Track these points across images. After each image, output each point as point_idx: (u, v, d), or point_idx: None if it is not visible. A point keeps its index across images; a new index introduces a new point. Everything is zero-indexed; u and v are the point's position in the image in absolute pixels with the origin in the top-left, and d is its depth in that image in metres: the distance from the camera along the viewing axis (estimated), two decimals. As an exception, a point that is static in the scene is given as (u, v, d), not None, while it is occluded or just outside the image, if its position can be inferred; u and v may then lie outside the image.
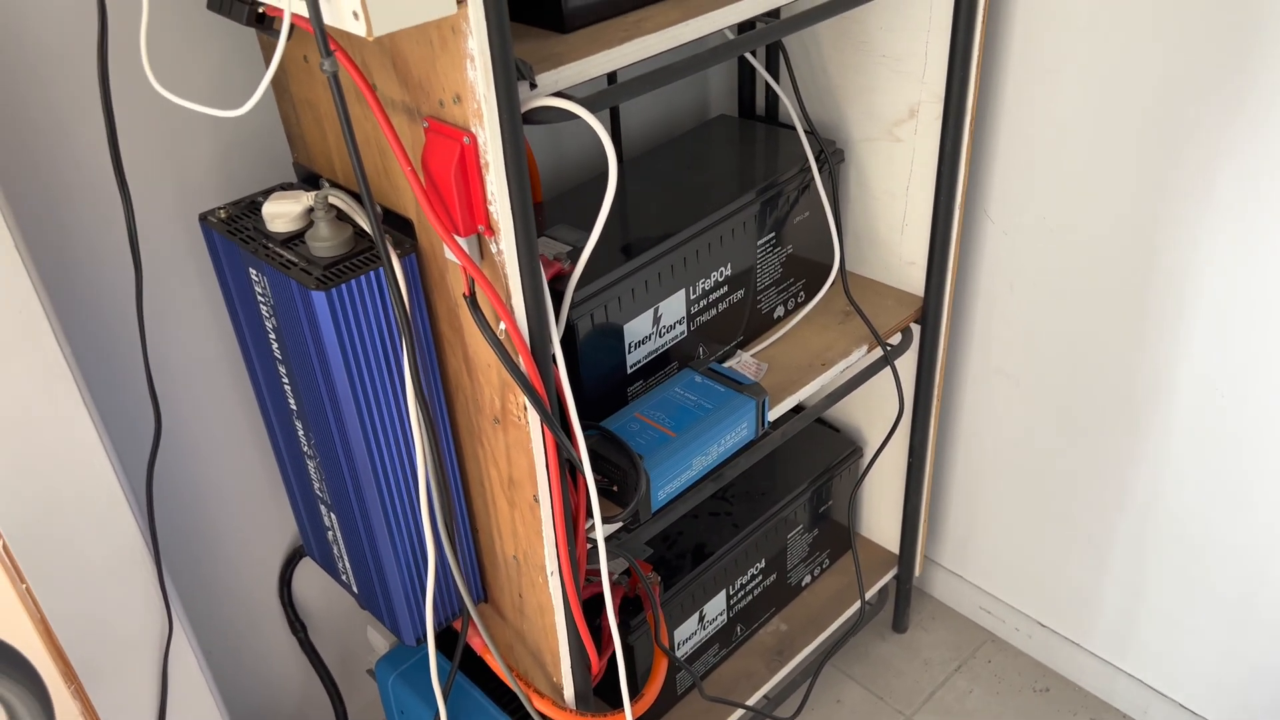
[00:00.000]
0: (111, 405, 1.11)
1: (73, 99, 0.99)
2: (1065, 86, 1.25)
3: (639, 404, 1.19)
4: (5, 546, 0.75)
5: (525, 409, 0.94)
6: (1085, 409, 1.41)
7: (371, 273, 0.93)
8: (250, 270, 0.98)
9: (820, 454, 1.58)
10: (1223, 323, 1.22)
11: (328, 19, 0.71)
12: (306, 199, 0.97)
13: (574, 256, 1.08)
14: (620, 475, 1.10)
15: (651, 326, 1.21)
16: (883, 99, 1.35)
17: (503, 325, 0.89)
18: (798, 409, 1.34)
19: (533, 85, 0.84)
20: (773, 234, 1.31)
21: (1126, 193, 1.24)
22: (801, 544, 1.58)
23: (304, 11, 0.71)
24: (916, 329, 1.44)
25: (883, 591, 1.67)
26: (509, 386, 0.95)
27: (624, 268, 1.14)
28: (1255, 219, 1.15)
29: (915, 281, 1.43)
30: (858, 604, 1.61)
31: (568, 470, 1.00)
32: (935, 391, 1.49)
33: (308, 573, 1.40)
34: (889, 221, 1.42)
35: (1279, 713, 1.39)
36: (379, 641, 1.37)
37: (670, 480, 1.12)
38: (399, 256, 0.93)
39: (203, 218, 1.02)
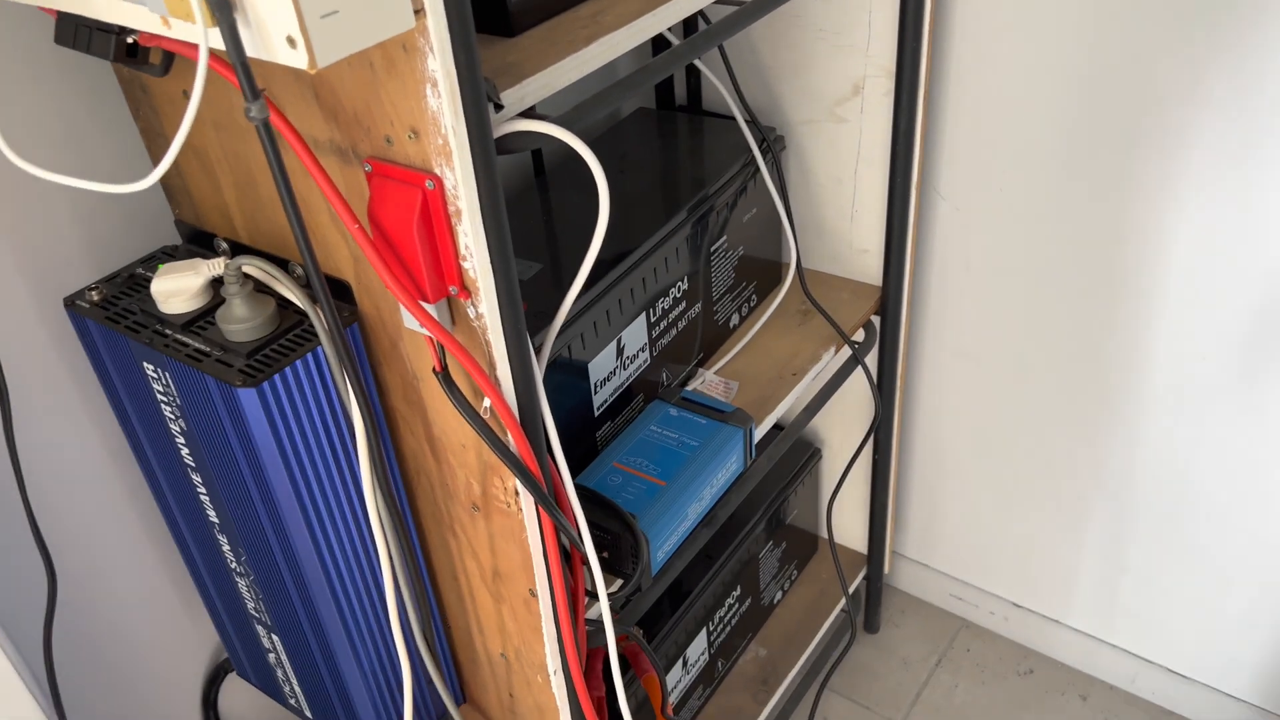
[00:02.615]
0: (-27, 543, 0.89)
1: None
2: (1014, 49, 1.15)
3: (614, 451, 1.04)
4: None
5: (517, 494, 0.78)
6: (1053, 383, 1.34)
7: (309, 354, 0.75)
8: (145, 365, 0.78)
9: (780, 462, 1.46)
10: (1195, 283, 1.16)
11: (251, 50, 0.53)
12: (206, 268, 0.77)
13: (528, 296, 0.92)
14: (612, 541, 0.95)
15: (615, 360, 1.06)
16: (822, 77, 1.23)
17: (487, 402, 0.73)
18: (778, 427, 1.22)
19: (498, 107, 0.67)
20: (724, 238, 1.17)
21: (1086, 156, 1.16)
22: (771, 560, 1.46)
23: (217, 44, 0.52)
24: (876, 320, 1.33)
25: (854, 594, 1.58)
26: (493, 469, 0.78)
27: (584, 299, 0.98)
28: (1227, 177, 1.08)
29: (870, 270, 1.32)
30: (833, 615, 1.51)
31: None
32: (898, 384, 1.39)
33: (235, 687, 1.19)
34: (837, 208, 1.31)
35: (1269, 666, 1.36)
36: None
37: (668, 536, 0.98)
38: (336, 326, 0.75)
39: (69, 303, 0.81)
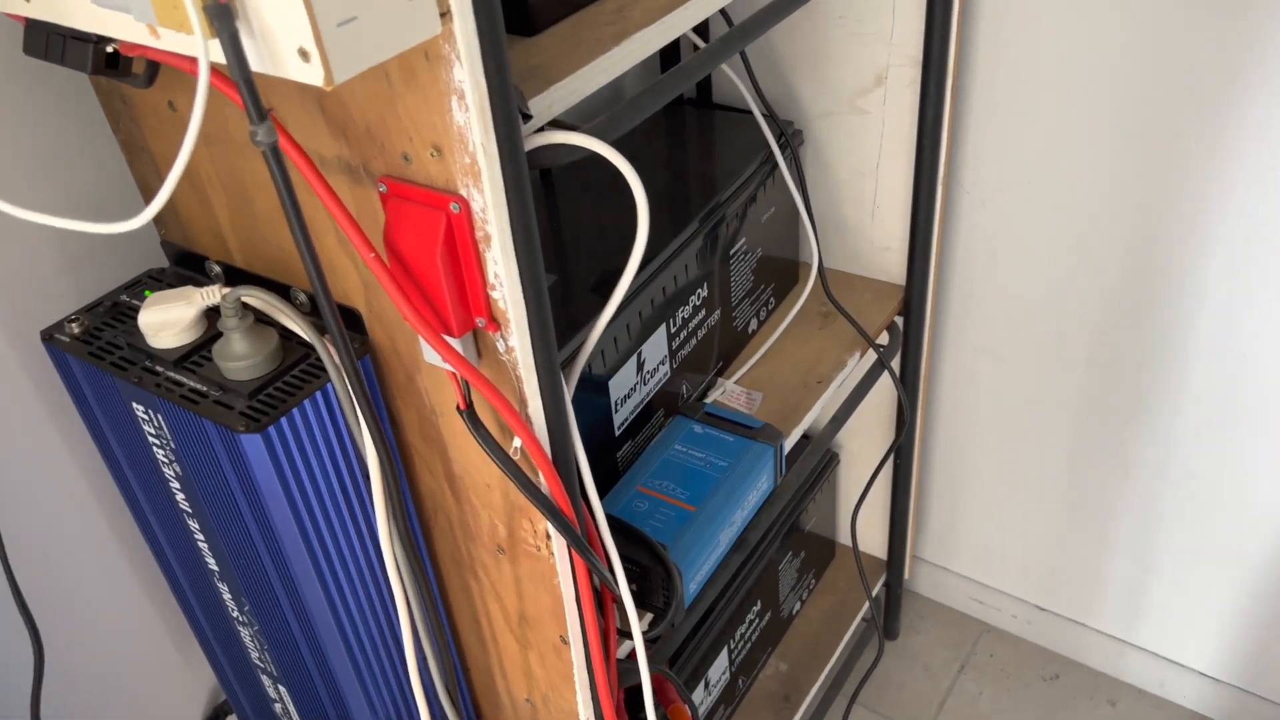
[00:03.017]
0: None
1: None
2: (1046, 33, 1.09)
3: (637, 473, 0.97)
4: None
5: (548, 538, 0.71)
6: (1082, 380, 1.29)
7: (317, 392, 0.68)
8: (134, 406, 0.71)
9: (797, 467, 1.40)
10: (1239, 278, 1.11)
11: (256, 64, 0.46)
12: (200, 298, 0.70)
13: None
14: (641, 573, 0.89)
15: (636, 375, 0.99)
16: (842, 67, 1.16)
17: (517, 442, 0.66)
18: (804, 439, 1.16)
19: (526, 117, 0.60)
20: (742, 239, 1.11)
21: (1123, 146, 1.10)
22: (790, 571, 1.40)
23: (216, 57, 0.45)
24: (898, 320, 1.27)
25: (874, 601, 1.53)
26: (521, 511, 0.72)
27: (604, 313, 0.91)
28: (1277, 168, 1.02)
29: (892, 269, 1.26)
30: (854, 625, 1.46)
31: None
32: (921, 386, 1.33)
33: (232, 727, 1.12)
34: (857, 205, 1.24)
35: (1309, 669, 1.32)
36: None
37: (700, 566, 0.92)
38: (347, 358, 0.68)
39: (47, 336, 0.74)
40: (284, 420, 0.65)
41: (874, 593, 1.52)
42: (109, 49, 0.57)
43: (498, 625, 0.83)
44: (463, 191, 0.57)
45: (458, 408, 0.66)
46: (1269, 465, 1.20)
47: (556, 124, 0.63)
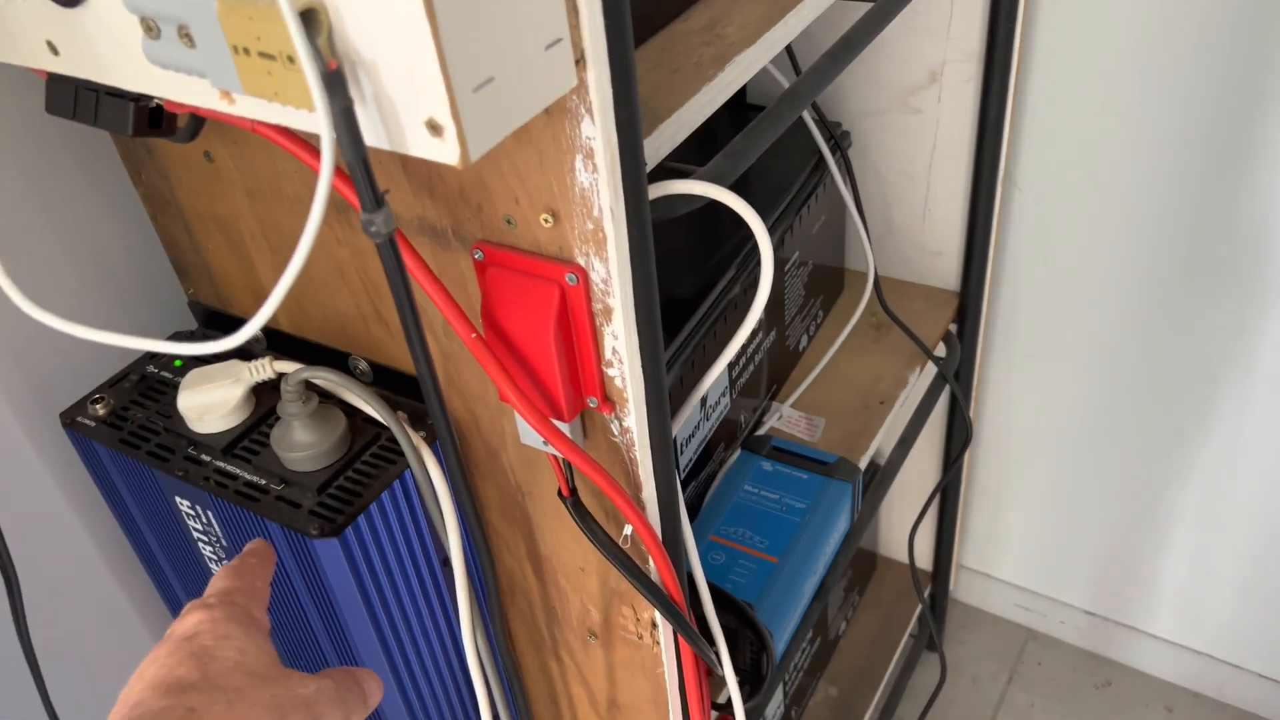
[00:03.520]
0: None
1: None
2: (1111, 19, 1.02)
3: (708, 521, 0.89)
4: None
5: (653, 626, 0.64)
6: (1141, 383, 1.23)
7: (394, 482, 0.59)
8: (178, 501, 0.62)
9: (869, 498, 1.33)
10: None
11: (371, 139, 0.37)
12: (248, 373, 0.61)
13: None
14: (726, 636, 0.81)
15: (699, 413, 0.91)
16: (892, 64, 1.08)
17: (628, 529, 0.58)
18: (873, 466, 1.08)
19: (639, 166, 0.52)
20: (796, 252, 1.03)
21: (1196, 137, 1.03)
22: (838, 591, 1.34)
23: (320, 127, 0.36)
24: (952, 329, 1.20)
25: (927, 618, 1.47)
26: (622, 597, 0.64)
27: (667, 353, 0.83)
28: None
29: (946, 274, 1.19)
30: (902, 644, 1.40)
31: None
32: (973, 395, 1.26)
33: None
34: (907, 208, 1.17)
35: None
36: None
37: (788, 624, 0.85)
38: (423, 440, 0.59)
39: (69, 420, 0.64)
40: (361, 519, 0.57)
41: (922, 609, 1.45)
42: (152, 106, 0.47)
43: (581, 709, 0.75)
44: (580, 260, 0.48)
45: (559, 494, 0.58)
46: (1344, 468, 1.15)
47: (667, 170, 0.54)
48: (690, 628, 0.62)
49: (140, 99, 0.47)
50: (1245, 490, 1.23)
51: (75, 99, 0.47)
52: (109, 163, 0.67)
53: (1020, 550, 1.48)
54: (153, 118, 0.48)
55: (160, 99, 0.44)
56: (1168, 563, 1.35)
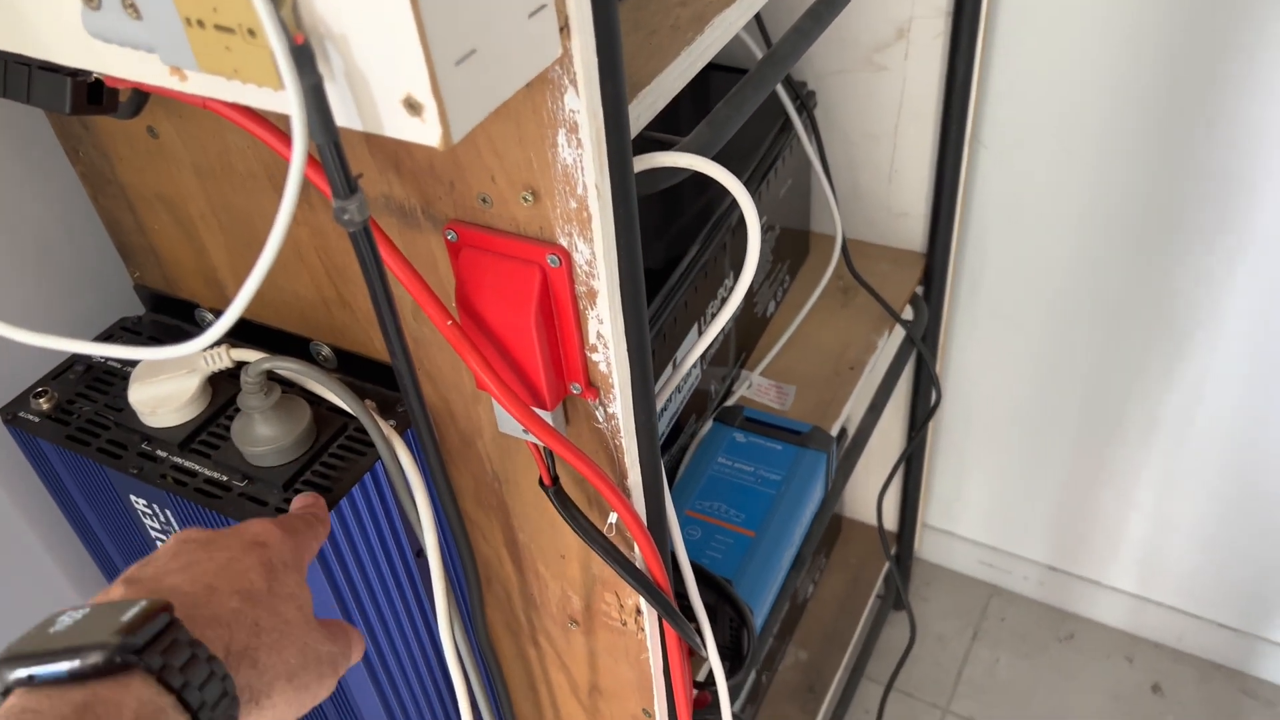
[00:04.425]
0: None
1: None
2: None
3: (682, 494, 0.88)
4: None
5: (638, 613, 0.62)
6: (1104, 337, 1.23)
7: (365, 475, 0.56)
8: (133, 500, 0.58)
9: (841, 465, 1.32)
10: (1271, 236, 1.05)
11: (344, 119, 0.34)
12: (203, 362, 0.57)
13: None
14: (708, 615, 0.80)
15: (672, 385, 0.89)
16: (858, 20, 1.05)
17: (614, 518, 0.56)
18: (841, 435, 1.07)
19: (620, 137, 0.49)
20: (764, 216, 1.01)
21: (1166, 88, 1.02)
22: (805, 556, 1.33)
23: (290, 107, 0.33)
24: (919, 290, 1.19)
25: (887, 577, 1.47)
26: (605, 584, 0.62)
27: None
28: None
29: (911, 236, 1.17)
30: (869, 605, 1.40)
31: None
32: (939, 356, 1.26)
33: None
34: (872, 169, 1.15)
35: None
36: None
37: (767, 598, 0.84)
38: (394, 429, 0.56)
39: (10, 416, 0.60)
40: (331, 515, 0.54)
41: (887, 568, 1.46)
42: (89, 81, 0.43)
43: (560, 694, 0.73)
44: (563, 241, 0.45)
45: (540, 483, 0.55)
46: (1303, 421, 1.16)
47: (649, 140, 0.52)
48: (677, 614, 0.60)
49: (78, 73, 0.43)
50: (1206, 443, 1.24)
51: (4, 74, 0.43)
52: (43, 140, 0.63)
53: (982, 507, 1.48)
54: (92, 93, 0.44)
55: (101, 74, 0.40)
56: (1128, 516, 1.37)
